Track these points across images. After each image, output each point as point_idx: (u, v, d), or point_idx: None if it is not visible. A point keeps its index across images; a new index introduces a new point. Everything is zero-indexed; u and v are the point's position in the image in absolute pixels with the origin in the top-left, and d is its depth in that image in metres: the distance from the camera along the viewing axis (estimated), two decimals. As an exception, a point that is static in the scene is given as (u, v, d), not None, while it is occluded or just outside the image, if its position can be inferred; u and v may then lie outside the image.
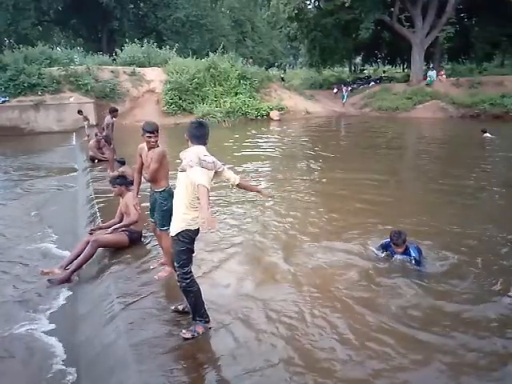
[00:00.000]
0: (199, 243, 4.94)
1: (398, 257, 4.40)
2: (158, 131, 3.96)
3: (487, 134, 13.02)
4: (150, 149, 4.00)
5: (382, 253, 4.60)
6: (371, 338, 3.19)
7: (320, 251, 4.81)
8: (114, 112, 9.03)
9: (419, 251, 4.35)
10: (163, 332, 3.31)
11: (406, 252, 4.35)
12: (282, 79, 28.91)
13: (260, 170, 9.40)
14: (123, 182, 5.14)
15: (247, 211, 6.31)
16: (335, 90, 27.49)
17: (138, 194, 4.36)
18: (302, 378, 2.79)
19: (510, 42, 25.48)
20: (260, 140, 14.41)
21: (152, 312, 3.60)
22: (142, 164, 4.14)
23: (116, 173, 6.85)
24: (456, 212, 6.29)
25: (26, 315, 4.03)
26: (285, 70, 52.49)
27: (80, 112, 14.67)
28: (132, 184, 4.61)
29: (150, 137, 3.91)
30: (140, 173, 4.25)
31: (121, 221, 5.08)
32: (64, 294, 4.43)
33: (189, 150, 3.05)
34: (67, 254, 5.18)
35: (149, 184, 4.22)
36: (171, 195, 3.96)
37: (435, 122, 19.88)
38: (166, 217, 3.93)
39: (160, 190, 4.01)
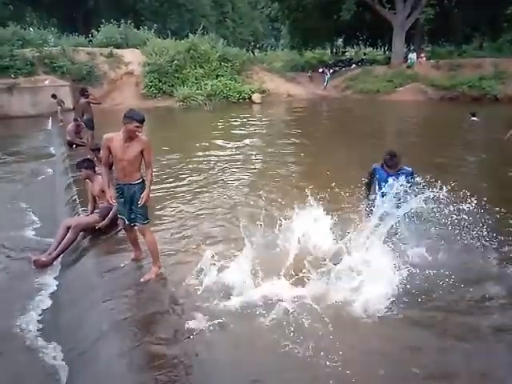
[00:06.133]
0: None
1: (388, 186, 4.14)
2: None
3: (475, 118, 13.25)
4: (129, 139, 3.59)
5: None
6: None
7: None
8: (85, 93, 8.92)
9: (412, 171, 4.33)
10: (152, 321, 3.27)
11: (400, 171, 4.29)
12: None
13: (243, 153, 9.35)
14: (90, 165, 5.08)
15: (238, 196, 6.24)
16: (320, 70, 27.37)
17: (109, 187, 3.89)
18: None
19: (489, 24, 25.74)
20: (242, 123, 14.28)
21: (139, 300, 3.57)
22: (109, 157, 3.71)
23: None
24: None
25: (10, 303, 3.96)
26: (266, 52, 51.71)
27: (54, 96, 14.19)
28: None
29: (138, 127, 3.55)
30: (109, 167, 3.88)
31: (94, 204, 5.12)
32: (48, 280, 4.38)
33: None
34: (49, 240, 5.09)
35: None
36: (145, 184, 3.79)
37: (415, 104, 20.04)
38: (146, 209, 3.82)
39: (138, 181, 3.73)
